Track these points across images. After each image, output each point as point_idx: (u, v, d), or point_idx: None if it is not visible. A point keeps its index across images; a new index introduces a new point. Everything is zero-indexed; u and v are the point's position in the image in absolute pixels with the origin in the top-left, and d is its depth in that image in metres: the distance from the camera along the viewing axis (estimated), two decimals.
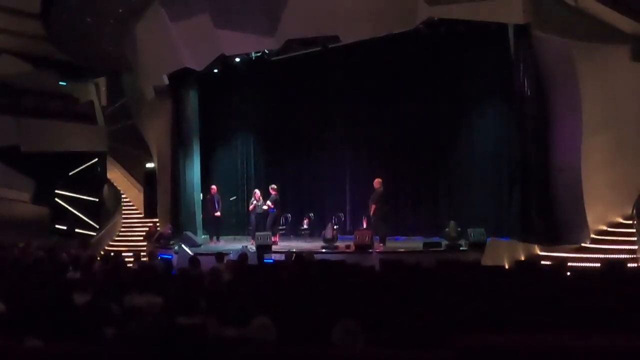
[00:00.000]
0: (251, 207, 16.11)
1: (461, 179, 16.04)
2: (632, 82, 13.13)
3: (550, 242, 13.38)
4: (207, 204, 17.13)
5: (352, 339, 3.61)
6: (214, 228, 17.08)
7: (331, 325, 3.77)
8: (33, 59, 20.37)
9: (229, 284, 7.67)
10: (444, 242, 13.62)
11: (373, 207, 14.29)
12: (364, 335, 3.69)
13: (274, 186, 16.10)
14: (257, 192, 16.19)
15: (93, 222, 20.44)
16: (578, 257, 12.57)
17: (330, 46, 15.82)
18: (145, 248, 16.05)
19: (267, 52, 16.72)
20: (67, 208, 20.09)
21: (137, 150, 21.90)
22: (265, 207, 15.81)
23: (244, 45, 15.90)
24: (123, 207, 22.29)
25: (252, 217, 16.09)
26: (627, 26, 12.74)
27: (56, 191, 19.87)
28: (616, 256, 12.22)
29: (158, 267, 9.56)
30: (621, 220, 13.53)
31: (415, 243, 14.38)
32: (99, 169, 21.61)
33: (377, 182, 14.47)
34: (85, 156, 20.86)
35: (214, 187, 17.11)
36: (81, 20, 16.60)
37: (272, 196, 15.91)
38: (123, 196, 22.74)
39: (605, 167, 13.33)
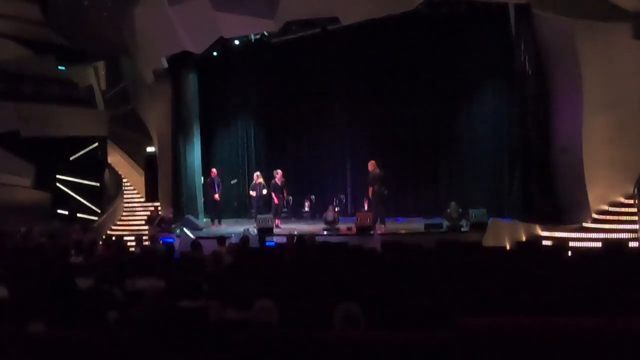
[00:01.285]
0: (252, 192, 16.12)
1: (462, 159, 16.05)
2: (634, 61, 13.05)
3: (552, 222, 13.41)
4: (207, 187, 17.14)
5: (353, 323, 3.63)
6: (215, 211, 17.08)
7: (333, 307, 3.78)
8: (31, 44, 20.24)
9: (230, 267, 7.69)
10: (445, 223, 13.66)
11: (371, 189, 14.23)
12: (364, 319, 3.70)
13: (277, 171, 16.04)
14: (257, 174, 16.16)
15: (95, 206, 20.45)
16: (579, 237, 12.61)
17: (329, 28, 15.71)
18: (147, 232, 16.07)
19: (266, 34, 16.61)
20: (68, 193, 20.09)
21: (137, 134, 21.82)
22: (264, 192, 15.83)
23: (243, 27, 15.81)
24: (124, 192, 22.29)
25: (254, 200, 16.09)
26: (629, 4, 12.63)
27: (57, 176, 19.85)
28: (617, 236, 12.25)
29: (160, 251, 9.57)
30: (622, 200, 13.54)
31: (417, 224, 14.42)
32: (99, 154, 21.55)
33: (371, 165, 14.40)
34: (86, 141, 20.80)
35: (214, 170, 17.10)
36: (78, 4, 16.49)
37: (272, 181, 15.87)
38: (124, 180, 22.74)
39: (606, 147, 13.29)
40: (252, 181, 16.49)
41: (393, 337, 2.83)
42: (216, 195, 16.78)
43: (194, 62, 17.60)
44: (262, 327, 3.81)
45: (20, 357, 3.42)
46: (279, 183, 15.80)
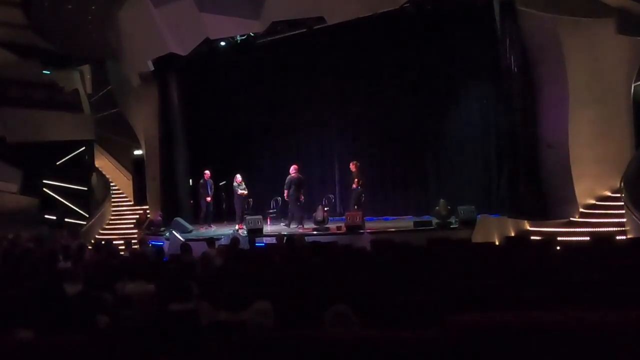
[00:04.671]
0: (240, 192, 16.03)
1: (450, 157, 16.10)
2: (618, 55, 13.17)
3: (540, 217, 13.50)
4: (199, 189, 16.97)
5: (344, 324, 3.62)
6: (206, 214, 16.96)
7: (324, 307, 3.78)
8: (16, 49, 20.10)
9: (221, 268, 7.67)
10: (435, 221, 13.68)
11: (286, 192, 14.97)
12: (356, 319, 3.69)
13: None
14: (238, 176, 16.06)
15: (82, 211, 20.33)
16: (567, 232, 12.69)
17: (315, 27, 15.73)
18: (136, 235, 15.99)
19: (252, 35, 16.60)
20: (56, 198, 19.97)
21: (124, 137, 21.75)
22: (241, 192, 15.82)
23: (229, 28, 15.79)
24: (112, 195, 22.19)
25: (236, 202, 16.01)
26: None
27: (44, 181, 19.74)
28: (605, 229, 12.33)
29: (149, 254, 9.53)
30: (609, 194, 13.65)
31: (406, 222, 14.46)
32: (86, 158, 21.45)
33: (293, 169, 15.09)
34: (72, 145, 20.70)
35: (207, 172, 16.93)
36: (63, 8, 16.38)
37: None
38: (112, 184, 22.64)
39: (592, 141, 13.41)
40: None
41: (384, 335, 2.83)
42: (208, 198, 16.66)
43: (180, 64, 17.53)
44: (255, 329, 3.81)
45: None
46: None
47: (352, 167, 14.92)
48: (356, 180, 14.73)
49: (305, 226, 15.03)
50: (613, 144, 13.41)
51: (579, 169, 13.45)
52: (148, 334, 3.66)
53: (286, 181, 15.08)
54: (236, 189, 15.86)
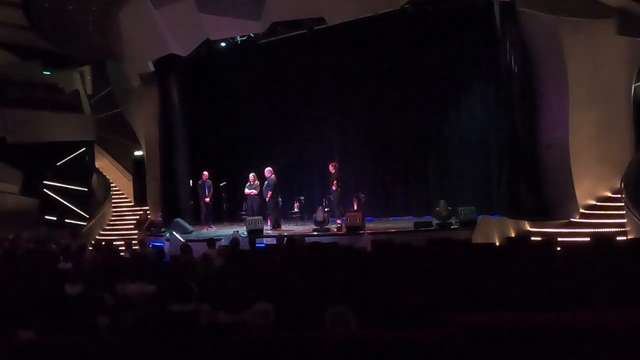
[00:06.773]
0: (247, 191, 15.98)
1: (450, 158, 16.09)
2: (618, 56, 13.19)
3: (540, 217, 13.51)
4: (198, 189, 17.00)
5: (344, 325, 3.62)
6: (205, 214, 16.97)
7: (324, 308, 3.78)
8: (16, 49, 20.10)
9: (221, 269, 7.67)
10: (435, 221, 13.68)
11: (269, 194, 15.19)
12: (355, 320, 3.70)
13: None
14: (251, 176, 16.03)
15: (83, 211, 20.30)
16: (568, 232, 12.69)
17: (315, 28, 15.71)
18: (136, 236, 15.97)
19: (252, 35, 16.60)
20: (56, 198, 19.95)
21: (125, 138, 21.74)
22: (248, 191, 15.81)
23: (229, 29, 15.78)
24: (113, 196, 22.18)
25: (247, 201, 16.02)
26: (612, 0, 12.74)
27: (44, 182, 19.72)
28: (605, 230, 12.33)
29: (150, 255, 9.53)
30: (610, 195, 13.65)
31: (407, 223, 14.45)
32: (87, 159, 21.42)
33: (268, 172, 15.36)
34: (73, 146, 20.66)
35: (205, 172, 16.95)
36: (63, 8, 16.38)
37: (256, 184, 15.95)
38: (112, 185, 22.62)
39: (593, 142, 13.41)
40: (247, 182, 16.23)
41: (385, 336, 2.83)
42: (207, 199, 16.69)
43: (181, 64, 17.50)
44: (255, 329, 3.81)
45: None
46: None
47: (331, 168, 14.95)
48: (335, 182, 14.74)
49: (306, 227, 15.05)
50: (613, 145, 13.42)
51: (579, 170, 13.45)
52: (148, 335, 3.66)
53: (267, 183, 15.34)
54: (247, 188, 15.87)
